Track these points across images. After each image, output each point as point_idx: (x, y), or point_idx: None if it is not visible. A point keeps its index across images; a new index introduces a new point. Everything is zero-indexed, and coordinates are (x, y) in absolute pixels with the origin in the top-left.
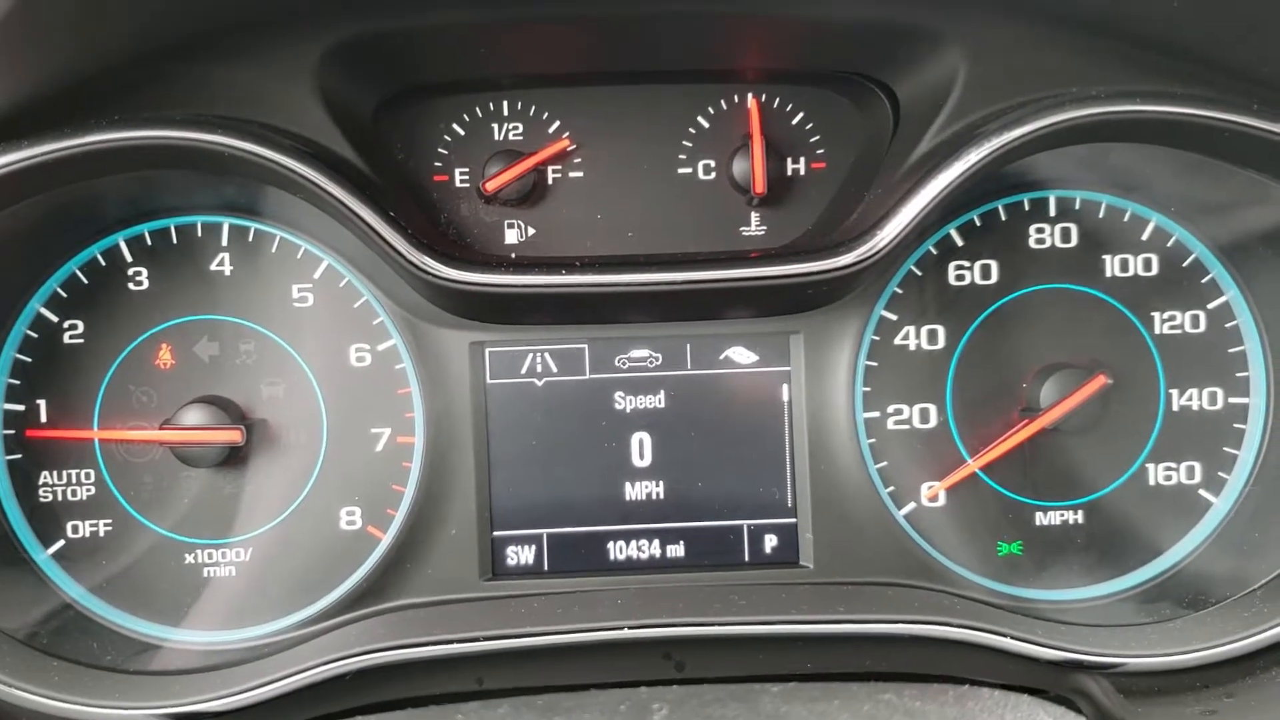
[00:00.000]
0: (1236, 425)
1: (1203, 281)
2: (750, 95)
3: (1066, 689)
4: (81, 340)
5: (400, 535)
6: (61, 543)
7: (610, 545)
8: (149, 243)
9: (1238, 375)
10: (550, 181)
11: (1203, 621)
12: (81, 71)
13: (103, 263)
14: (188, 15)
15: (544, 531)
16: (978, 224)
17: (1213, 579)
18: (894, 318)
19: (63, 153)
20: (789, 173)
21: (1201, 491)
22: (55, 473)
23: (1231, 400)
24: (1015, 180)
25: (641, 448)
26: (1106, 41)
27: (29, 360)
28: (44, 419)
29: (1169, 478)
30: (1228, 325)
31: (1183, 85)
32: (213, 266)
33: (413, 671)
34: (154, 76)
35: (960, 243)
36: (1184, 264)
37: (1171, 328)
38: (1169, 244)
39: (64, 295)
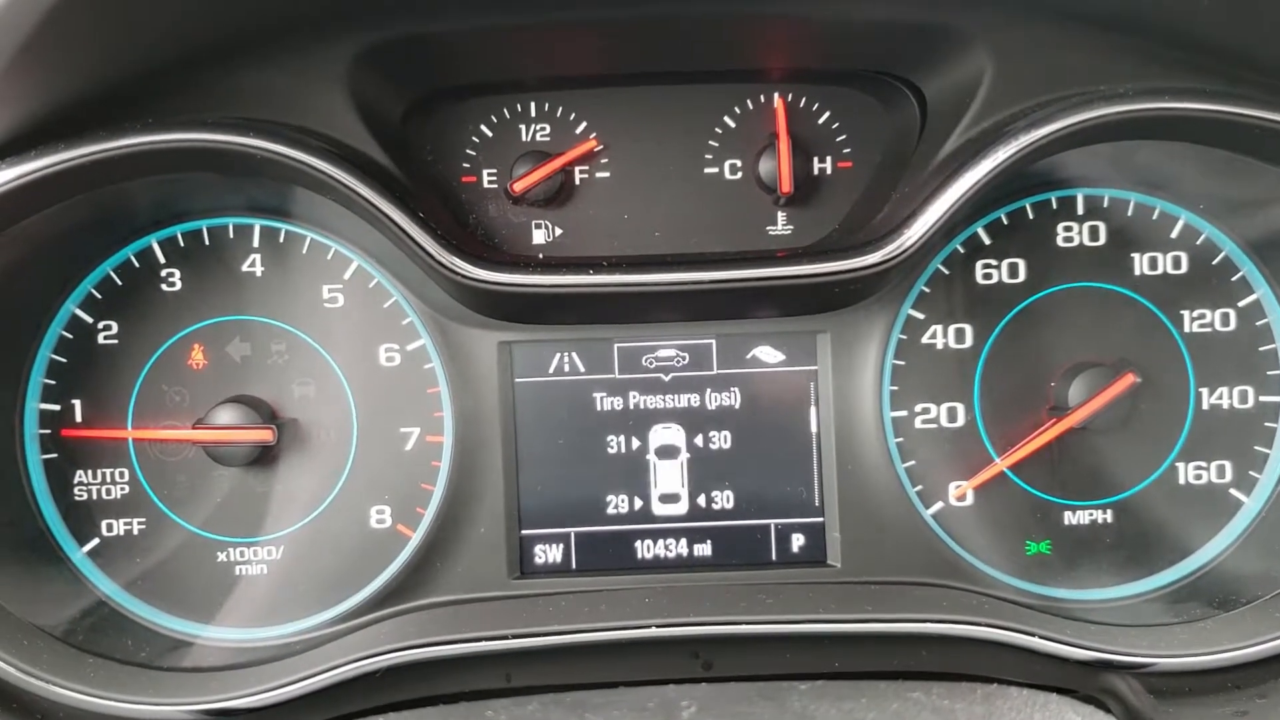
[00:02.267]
0: (1268, 424)
1: (1233, 279)
2: (776, 95)
3: (1095, 689)
4: (115, 341)
5: (429, 534)
6: (96, 541)
7: (638, 544)
8: (181, 244)
9: (1269, 373)
10: (577, 182)
11: (1234, 622)
12: (115, 76)
13: (136, 264)
14: (221, 20)
15: (572, 530)
16: (1005, 222)
17: (1244, 579)
18: (921, 316)
19: (98, 155)
20: (815, 172)
21: (1232, 491)
22: (90, 472)
23: (1263, 398)
24: (1043, 179)
25: (668, 447)
26: (1135, 39)
27: (64, 361)
28: (79, 419)
29: (1199, 477)
30: (1258, 323)
31: (1211, 82)
32: (244, 268)
33: (442, 669)
34: (187, 81)
35: (988, 241)
36: (1214, 262)
37: (1201, 326)
38: (1198, 242)
39: (98, 296)
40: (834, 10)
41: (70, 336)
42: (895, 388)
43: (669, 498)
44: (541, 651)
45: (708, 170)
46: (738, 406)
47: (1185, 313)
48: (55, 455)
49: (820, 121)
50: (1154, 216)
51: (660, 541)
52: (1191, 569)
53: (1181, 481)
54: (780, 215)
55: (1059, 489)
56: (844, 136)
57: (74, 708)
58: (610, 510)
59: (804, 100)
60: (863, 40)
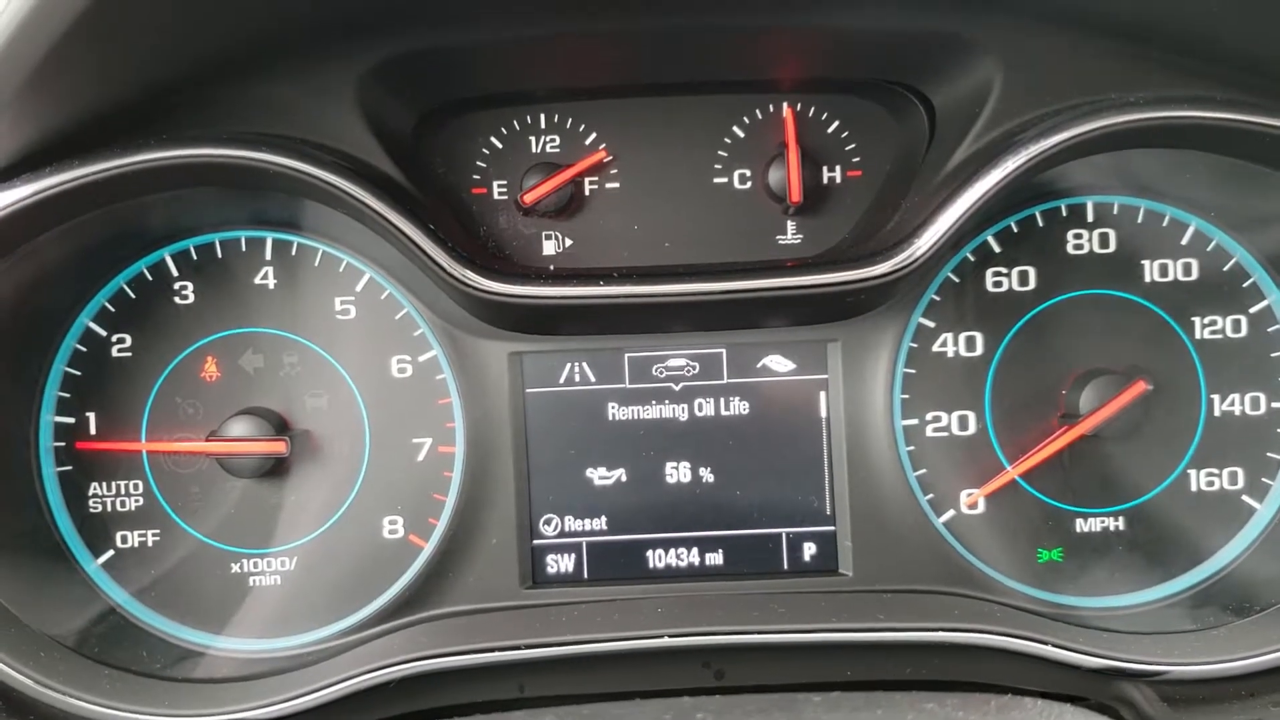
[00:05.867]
0: None
1: (1244, 285)
2: (785, 105)
3: (1109, 697)
4: (129, 354)
5: (442, 544)
6: (111, 553)
7: (650, 553)
8: (194, 258)
9: None
10: (587, 193)
11: (1248, 629)
12: (127, 93)
13: (149, 278)
14: (232, 36)
15: (584, 540)
16: (1015, 230)
17: (1257, 585)
18: (932, 325)
19: (112, 172)
20: (825, 181)
21: (1245, 497)
22: (104, 484)
23: (1274, 405)
24: (1052, 187)
25: (680, 456)
26: (1144, 47)
27: (79, 374)
28: (93, 431)
29: (1211, 484)
30: (1269, 329)
31: (1222, 90)
32: (256, 280)
33: (455, 679)
34: (198, 96)
35: (998, 249)
36: (1224, 268)
37: (1212, 332)
38: (1209, 248)
39: (112, 310)
40: (843, 20)
41: (84, 349)
42: (906, 396)
43: (680, 506)
44: (554, 661)
45: (717, 180)
46: (748, 415)
47: (1196, 319)
48: (70, 467)
49: (829, 131)
50: (1164, 224)
51: (672, 550)
52: (1204, 576)
53: (1194, 488)
54: (790, 225)
55: (1071, 496)
56: (853, 146)
57: (88, 718)
58: (622, 520)
59: (813, 110)
60: (871, 50)
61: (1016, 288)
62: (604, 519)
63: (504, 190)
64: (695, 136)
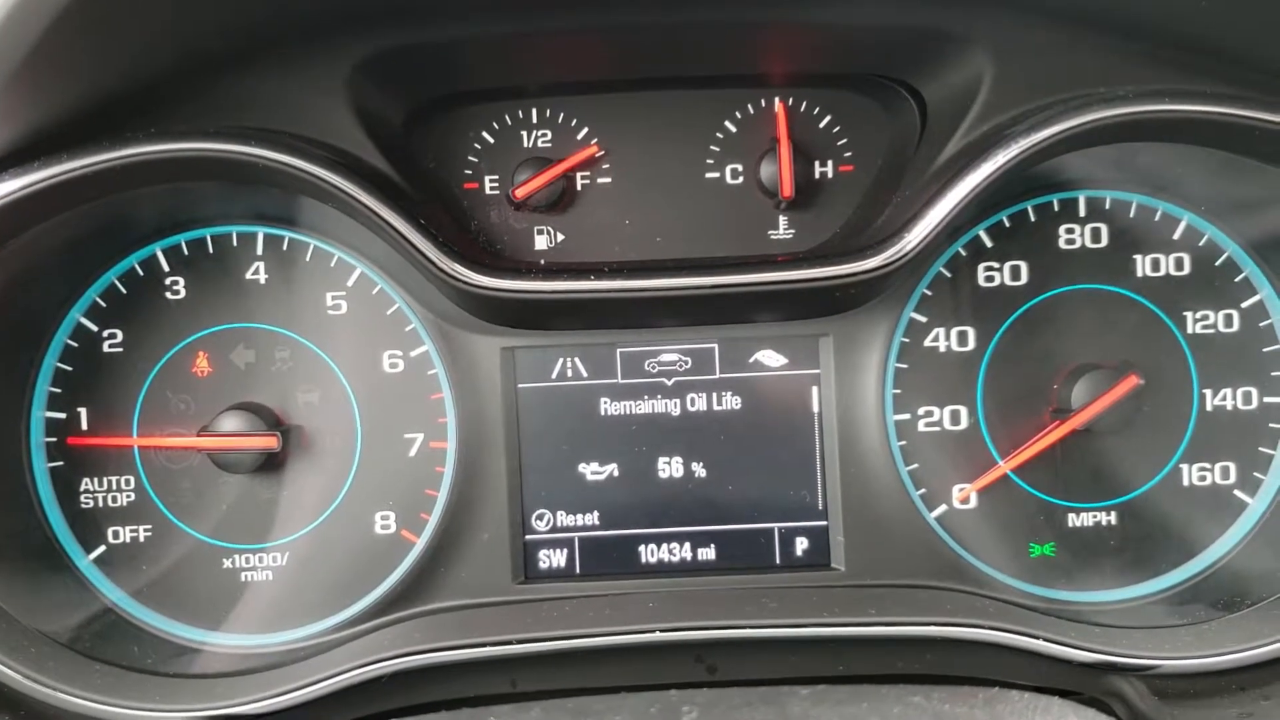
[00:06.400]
0: (1272, 425)
1: (1235, 280)
2: (777, 99)
3: (1100, 691)
4: (121, 349)
5: (434, 539)
6: (103, 548)
7: (642, 548)
8: (185, 253)
9: (1272, 374)
10: (579, 187)
11: (1238, 623)
12: (117, 86)
13: (141, 273)
14: (223, 29)
15: (575, 535)
16: (1007, 225)
17: (1249, 580)
18: (924, 319)
19: (101, 166)
20: (817, 176)
21: (1236, 492)
22: (96, 479)
23: (1266, 400)
24: (1044, 181)
25: (672, 451)
26: (1135, 42)
27: (70, 369)
28: (85, 427)
29: (1203, 478)
30: (1261, 324)
31: (1212, 84)
32: (248, 275)
33: (447, 674)
34: (188, 90)
35: (989, 244)
36: (1216, 263)
37: (1204, 327)
38: (1201, 243)
39: (103, 305)
40: (834, 15)
41: (76, 345)
42: (898, 391)
43: (672, 501)
44: (546, 656)
45: (709, 175)
46: (741, 410)
47: (1188, 314)
48: (61, 463)
49: (821, 126)
50: (1156, 218)
51: (664, 545)
52: (1196, 571)
53: (1185, 483)
54: (782, 219)
55: (1063, 491)
56: (845, 140)
57: (80, 714)
58: (614, 515)
59: (804, 105)
60: (862, 44)
61: (1008, 282)
62: (596, 514)
63: (495, 185)
64: (687, 131)
